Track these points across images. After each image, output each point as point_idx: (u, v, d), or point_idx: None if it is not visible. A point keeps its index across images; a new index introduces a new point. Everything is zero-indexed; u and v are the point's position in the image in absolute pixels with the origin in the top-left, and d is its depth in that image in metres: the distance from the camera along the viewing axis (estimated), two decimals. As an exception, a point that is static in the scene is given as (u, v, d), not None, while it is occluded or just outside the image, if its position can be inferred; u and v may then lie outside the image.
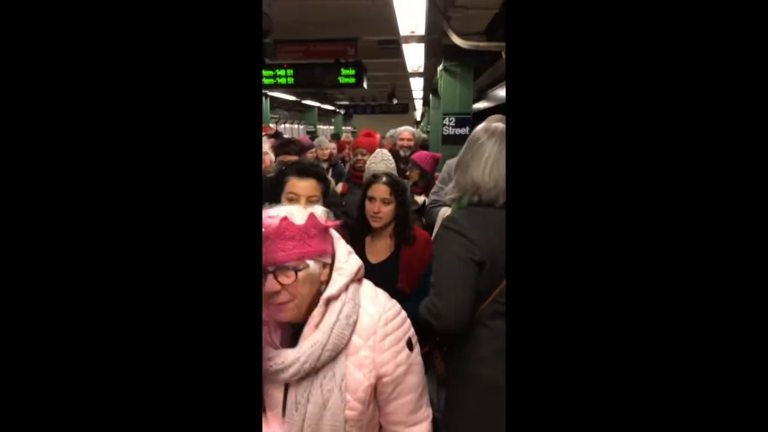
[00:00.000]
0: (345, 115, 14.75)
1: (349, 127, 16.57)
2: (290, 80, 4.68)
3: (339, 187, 2.66)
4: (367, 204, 1.58)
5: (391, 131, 4.11)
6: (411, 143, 3.42)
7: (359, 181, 2.40)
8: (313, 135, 11.52)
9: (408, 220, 1.62)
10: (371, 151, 2.58)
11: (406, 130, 3.51)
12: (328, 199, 1.36)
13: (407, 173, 2.63)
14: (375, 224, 1.57)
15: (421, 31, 3.28)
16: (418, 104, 11.71)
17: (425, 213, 2.12)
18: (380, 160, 2.12)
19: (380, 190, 1.57)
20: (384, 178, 1.60)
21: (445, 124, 4.33)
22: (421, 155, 2.71)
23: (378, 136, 3.06)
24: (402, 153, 3.21)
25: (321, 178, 1.36)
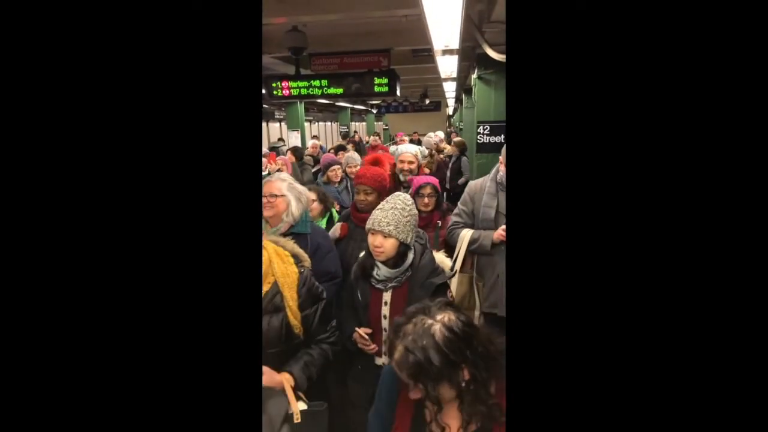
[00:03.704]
0: (377, 114, 14.78)
1: (380, 123, 16.61)
2: (325, 91, 4.76)
3: (335, 229, 2.02)
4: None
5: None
6: (413, 166, 2.80)
7: (362, 224, 1.79)
8: (346, 134, 11.61)
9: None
10: (378, 188, 1.97)
11: (407, 151, 2.86)
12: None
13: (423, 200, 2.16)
14: None
15: (455, 45, 3.28)
16: (451, 101, 11.60)
17: (447, 237, 2.04)
18: (390, 208, 1.44)
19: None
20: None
21: (479, 133, 4.29)
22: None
23: (388, 165, 2.31)
24: (402, 177, 2.70)
25: None
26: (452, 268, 1.87)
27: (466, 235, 1.92)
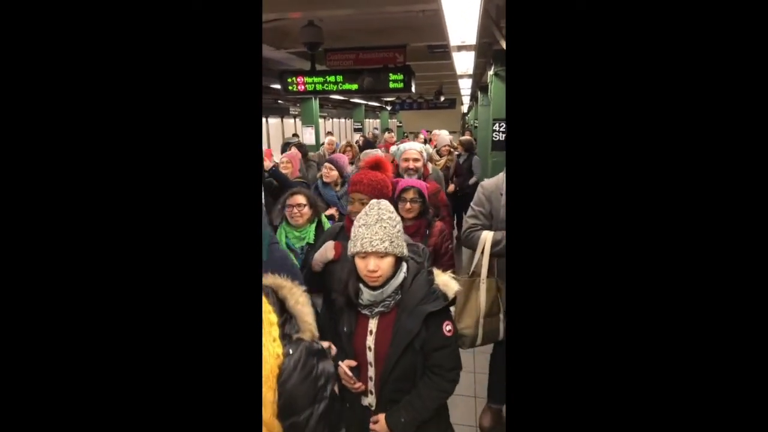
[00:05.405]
0: (391, 111, 14.75)
1: (394, 120, 16.59)
2: (340, 86, 4.75)
3: (328, 250, 1.65)
4: None
5: (394, 148, 3.17)
6: (418, 164, 2.58)
7: None
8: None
9: None
10: (378, 197, 1.52)
11: (412, 148, 2.65)
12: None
13: (407, 206, 1.98)
14: None
15: (471, 41, 3.23)
16: (466, 99, 11.51)
17: (463, 239, 1.92)
18: (376, 222, 1.20)
19: None
20: None
21: (495, 130, 4.25)
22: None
23: (391, 167, 1.95)
24: (407, 177, 2.48)
25: None
26: (477, 273, 1.76)
27: (487, 237, 1.81)
